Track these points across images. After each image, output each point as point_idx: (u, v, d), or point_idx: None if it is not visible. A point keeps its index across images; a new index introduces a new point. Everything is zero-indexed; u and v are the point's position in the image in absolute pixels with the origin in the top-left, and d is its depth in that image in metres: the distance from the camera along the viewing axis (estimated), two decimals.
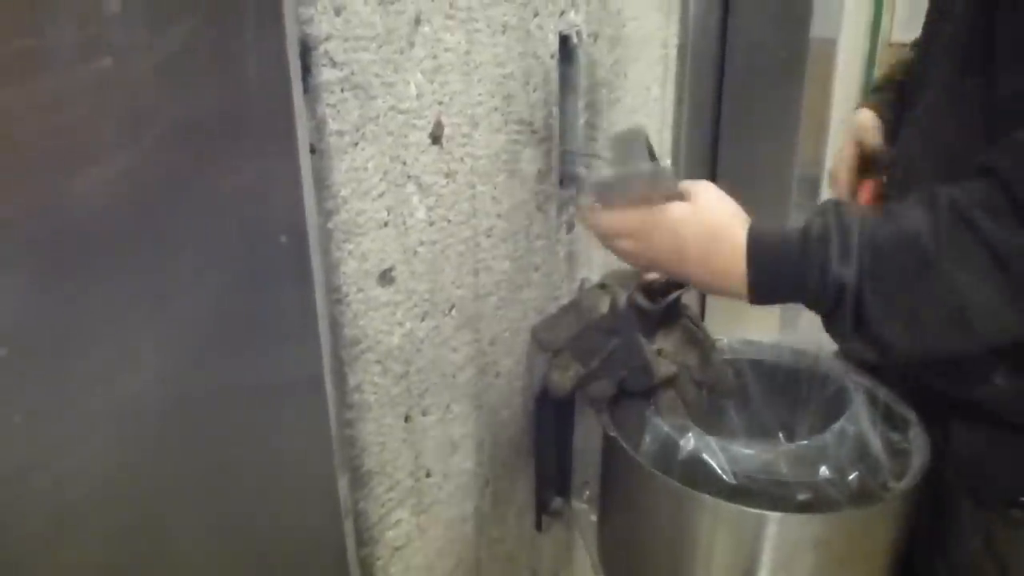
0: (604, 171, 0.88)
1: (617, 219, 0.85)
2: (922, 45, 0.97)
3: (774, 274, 0.79)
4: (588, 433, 1.06)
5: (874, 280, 0.74)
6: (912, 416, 0.96)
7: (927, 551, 1.01)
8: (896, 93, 1.11)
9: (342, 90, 0.64)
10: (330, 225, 0.66)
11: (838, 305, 0.76)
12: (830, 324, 0.79)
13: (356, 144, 0.67)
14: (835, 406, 0.98)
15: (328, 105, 0.63)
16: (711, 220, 0.81)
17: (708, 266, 0.81)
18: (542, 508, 1.09)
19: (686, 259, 0.82)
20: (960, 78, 0.82)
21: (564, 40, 0.93)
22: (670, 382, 0.98)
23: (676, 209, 0.82)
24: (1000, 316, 0.74)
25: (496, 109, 0.84)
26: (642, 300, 0.97)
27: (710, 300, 1.96)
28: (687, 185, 0.83)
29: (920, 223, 0.74)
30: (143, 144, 0.54)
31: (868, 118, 1.12)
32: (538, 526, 1.10)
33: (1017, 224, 0.71)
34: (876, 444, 0.91)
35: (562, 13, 0.92)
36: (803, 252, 0.77)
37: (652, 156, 0.84)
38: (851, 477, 0.87)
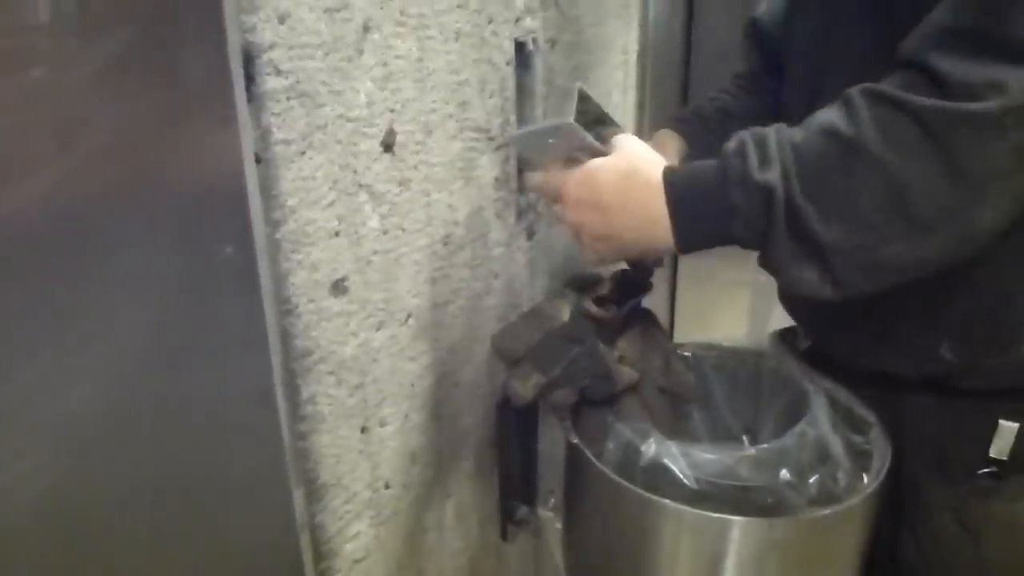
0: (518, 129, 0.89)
1: (543, 180, 0.84)
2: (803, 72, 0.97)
3: (696, 201, 0.75)
4: (552, 440, 1.05)
5: (801, 178, 0.70)
6: (872, 417, 0.97)
7: (889, 537, 1.02)
8: (701, 124, 1.12)
9: (288, 99, 0.63)
10: (278, 235, 0.65)
11: (770, 218, 0.71)
12: (767, 249, 0.74)
13: (303, 153, 0.66)
14: (797, 408, 0.98)
15: (273, 114, 0.62)
16: (626, 165, 0.78)
17: (628, 211, 0.77)
18: (507, 517, 1.08)
19: (607, 209, 0.78)
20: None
21: (520, 46, 0.93)
22: (633, 388, 0.98)
23: (593, 162, 0.79)
24: (938, 194, 0.68)
25: (451, 116, 0.83)
26: (593, 308, 0.97)
27: (680, 303, 1.98)
28: (613, 140, 0.81)
29: (835, 116, 0.71)
30: (81, 156, 0.53)
31: (669, 135, 1.10)
32: (503, 535, 1.09)
33: (939, 95, 0.67)
34: (837, 446, 0.91)
35: (518, 20, 0.91)
36: (721, 171, 0.73)
37: (600, 118, 0.84)
38: (812, 480, 0.87)
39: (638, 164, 0.78)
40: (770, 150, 0.71)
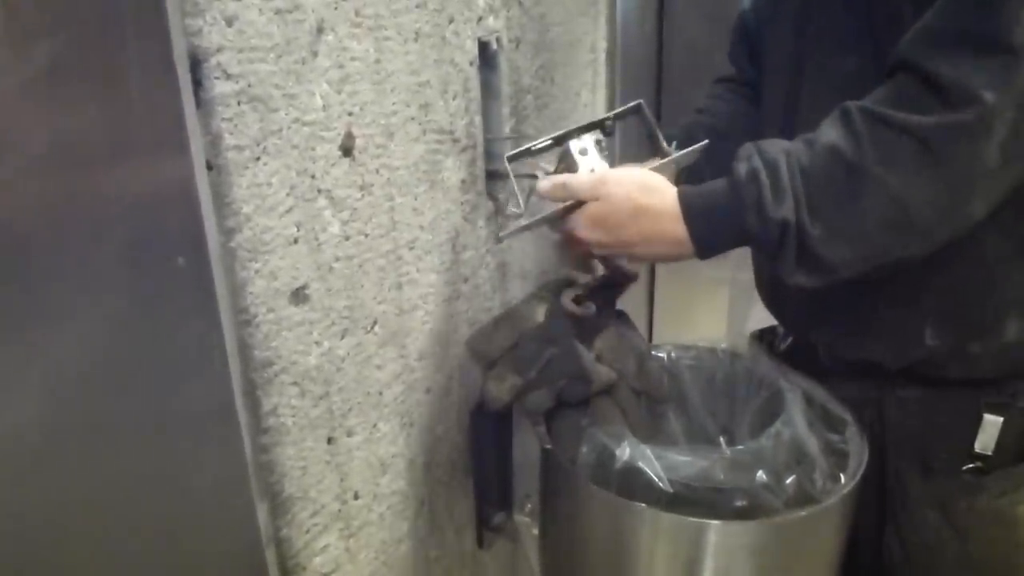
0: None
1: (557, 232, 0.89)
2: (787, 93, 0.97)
3: (714, 227, 0.81)
4: (527, 445, 1.04)
5: (811, 207, 0.75)
6: (848, 416, 0.96)
7: (874, 535, 1.01)
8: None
9: (239, 103, 0.62)
10: (232, 244, 0.64)
11: (782, 242, 0.76)
12: (776, 261, 0.80)
13: (258, 159, 0.64)
14: (773, 408, 0.97)
15: (224, 119, 0.61)
16: (630, 205, 0.82)
17: (652, 244, 0.83)
18: (483, 524, 1.07)
19: (628, 243, 0.84)
20: None
21: (484, 46, 0.92)
22: (607, 391, 0.97)
23: (592, 210, 0.84)
24: (939, 205, 0.74)
25: (413, 118, 0.81)
26: (571, 305, 0.96)
27: (659, 301, 1.96)
28: (590, 186, 0.84)
29: (838, 137, 0.75)
30: (22, 166, 0.51)
31: None
32: (480, 542, 1.08)
33: (934, 104, 0.71)
34: (813, 446, 0.90)
35: (480, 19, 0.90)
36: (736, 197, 0.78)
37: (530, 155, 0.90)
38: (788, 481, 0.86)
39: (641, 202, 0.82)
40: (782, 180, 0.76)
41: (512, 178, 0.90)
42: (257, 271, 0.66)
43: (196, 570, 0.68)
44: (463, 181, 0.92)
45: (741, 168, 0.78)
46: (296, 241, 0.69)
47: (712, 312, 1.99)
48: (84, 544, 0.61)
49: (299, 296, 0.71)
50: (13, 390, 0.53)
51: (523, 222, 0.88)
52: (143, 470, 0.62)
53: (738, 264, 0.88)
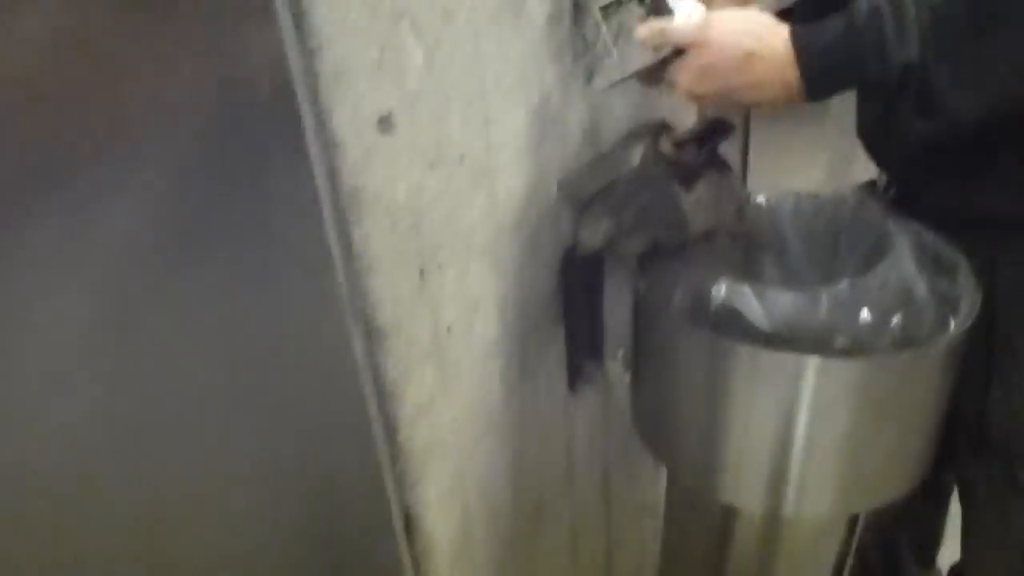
0: None
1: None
2: None
3: (829, 71, 0.77)
4: (620, 290, 1.03)
5: (939, 50, 0.70)
6: (961, 260, 0.90)
7: (979, 399, 0.97)
8: None
9: None
10: (316, 68, 0.62)
11: (902, 86, 0.73)
12: (891, 104, 0.78)
13: None
14: (879, 256, 0.92)
15: None
16: (740, 52, 0.78)
17: (760, 89, 0.80)
18: (574, 370, 1.07)
19: (736, 90, 0.81)
20: None
21: None
22: (705, 236, 0.94)
23: (697, 59, 0.80)
24: None
25: None
26: (671, 149, 0.93)
27: (754, 148, 1.87)
28: (694, 33, 0.80)
29: None
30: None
31: None
32: (572, 386, 1.08)
33: None
34: (921, 289, 0.86)
35: None
36: (856, 37, 0.73)
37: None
38: (894, 322, 0.83)
39: (754, 46, 0.78)
40: (907, 17, 0.70)
41: (604, 29, 0.86)
42: (342, 96, 0.65)
43: (292, 401, 0.71)
44: (550, 15, 0.88)
45: (862, 5, 0.72)
46: (379, 67, 0.68)
47: (811, 162, 1.89)
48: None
49: (385, 124, 0.70)
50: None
51: (617, 77, 0.85)
52: (234, 298, 0.63)
53: (840, 110, 0.84)
